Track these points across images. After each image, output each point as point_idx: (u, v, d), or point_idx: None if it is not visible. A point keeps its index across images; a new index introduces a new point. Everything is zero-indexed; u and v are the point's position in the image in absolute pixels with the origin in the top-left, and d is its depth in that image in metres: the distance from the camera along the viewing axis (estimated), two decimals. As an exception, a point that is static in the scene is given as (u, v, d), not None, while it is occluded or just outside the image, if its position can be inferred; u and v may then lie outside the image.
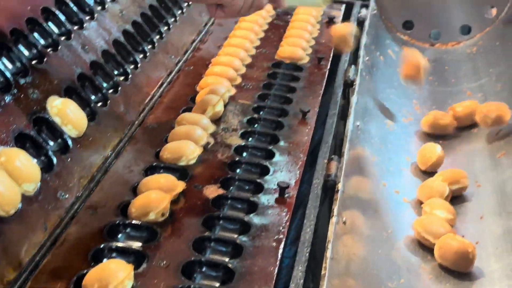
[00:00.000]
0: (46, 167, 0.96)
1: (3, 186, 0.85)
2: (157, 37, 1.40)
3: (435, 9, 1.76)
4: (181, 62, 1.42)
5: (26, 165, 0.90)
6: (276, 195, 1.03)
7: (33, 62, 1.04)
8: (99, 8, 1.27)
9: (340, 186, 1.04)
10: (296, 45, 1.49)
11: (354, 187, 1.10)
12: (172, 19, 1.48)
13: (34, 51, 1.06)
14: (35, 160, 0.94)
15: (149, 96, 1.27)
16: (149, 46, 1.36)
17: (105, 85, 1.17)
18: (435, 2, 1.75)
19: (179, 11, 1.52)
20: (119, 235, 0.93)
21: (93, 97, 1.13)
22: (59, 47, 1.11)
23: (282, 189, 1.03)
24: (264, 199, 1.02)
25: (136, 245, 0.91)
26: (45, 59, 1.06)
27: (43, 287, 0.82)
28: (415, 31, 1.77)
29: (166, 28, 1.44)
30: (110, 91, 1.18)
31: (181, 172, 1.07)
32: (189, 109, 1.25)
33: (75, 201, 0.97)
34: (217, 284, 0.86)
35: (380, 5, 1.76)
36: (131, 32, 1.32)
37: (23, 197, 0.88)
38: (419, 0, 1.75)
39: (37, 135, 0.97)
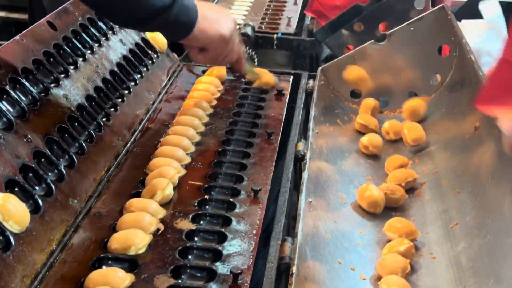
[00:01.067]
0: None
1: None
2: (103, 119, 1.38)
3: (381, 79, 1.78)
4: (129, 144, 1.40)
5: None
6: (230, 283, 1.00)
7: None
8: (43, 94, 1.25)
9: (294, 269, 1.02)
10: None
11: (308, 268, 1.07)
12: (119, 99, 1.47)
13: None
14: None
15: (96, 182, 1.24)
16: (96, 129, 1.33)
17: (49, 174, 1.14)
18: (380, 73, 1.78)
19: (126, 91, 1.51)
20: None
21: (36, 188, 1.09)
22: None
23: (235, 275, 1.01)
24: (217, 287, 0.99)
25: None
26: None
27: None
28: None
29: (112, 109, 1.42)
30: (55, 179, 1.14)
31: (130, 263, 1.04)
32: (138, 194, 1.22)
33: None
34: None
35: (327, 75, 1.77)
36: (75, 116, 1.29)
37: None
38: (365, 70, 1.77)
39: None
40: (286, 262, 1.05)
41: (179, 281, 1.01)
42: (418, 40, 1.71)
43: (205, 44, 1.38)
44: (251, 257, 1.07)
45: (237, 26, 1.47)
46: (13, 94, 1.18)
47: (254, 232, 1.14)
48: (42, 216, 1.06)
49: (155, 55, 1.72)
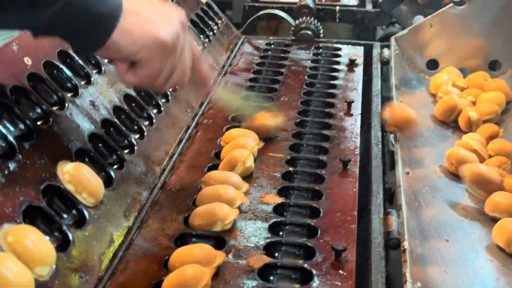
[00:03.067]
0: (61, 245, 0.81)
1: (11, 272, 0.69)
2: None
3: (460, 47, 1.64)
4: (198, 116, 1.28)
5: (38, 245, 0.75)
6: (332, 260, 0.88)
7: (38, 123, 0.90)
8: (106, 61, 1.13)
9: (406, 244, 0.89)
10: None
11: (418, 245, 0.94)
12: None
13: (39, 110, 0.92)
14: (48, 238, 0.78)
15: (168, 155, 1.12)
16: (163, 99, 1.22)
17: (119, 144, 1.02)
18: (459, 39, 1.63)
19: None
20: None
21: (107, 160, 0.98)
22: (66, 105, 0.96)
23: (338, 252, 0.88)
24: (319, 265, 0.86)
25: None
26: (51, 119, 0.92)
27: None
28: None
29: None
30: (125, 151, 1.03)
31: (216, 240, 0.92)
32: (214, 167, 1.10)
33: (98, 284, 0.81)
34: None
35: (401, 45, 1.64)
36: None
37: (36, 284, 0.72)
38: (443, 39, 1.63)
39: (48, 207, 0.82)
40: (395, 238, 0.91)
41: (275, 259, 0.89)
42: (503, 2, 1.57)
43: (132, 54, 0.84)
44: (352, 232, 0.94)
45: (187, 26, 0.91)
46: (76, 58, 1.07)
47: (350, 205, 1.01)
48: (116, 190, 0.95)
49: (216, 27, 1.60)
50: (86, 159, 0.93)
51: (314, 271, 0.85)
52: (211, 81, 1.01)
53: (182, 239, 0.92)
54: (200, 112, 1.29)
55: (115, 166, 0.99)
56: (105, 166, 0.96)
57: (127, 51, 0.83)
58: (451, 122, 1.44)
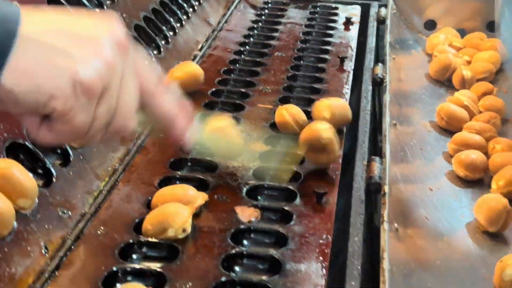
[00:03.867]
0: (45, 182, 0.82)
1: (-7, 202, 0.71)
2: (163, 42, 1.27)
3: (459, 8, 1.64)
4: (190, 69, 1.29)
5: (21, 177, 0.76)
6: (313, 203, 0.89)
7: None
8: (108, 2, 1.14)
9: (386, 188, 0.90)
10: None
11: (400, 191, 0.95)
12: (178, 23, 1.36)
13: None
14: (31, 175, 0.79)
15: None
16: (155, 52, 1.23)
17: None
18: (459, 0, 1.63)
19: (185, 16, 1.40)
20: (134, 256, 0.78)
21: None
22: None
23: (319, 195, 0.89)
24: (299, 208, 0.88)
25: (155, 266, 0.76)
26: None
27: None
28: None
29: (171, 32, 1.32)
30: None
31: (200, 182, 0.93)
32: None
33: (80, 220, 0.83)
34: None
35: (398, 4, 1.63)
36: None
37: (19, 216, 0.74)
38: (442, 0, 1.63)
39: (33, 145, 0.83)
40: (376, 182, 0.93)
41: (257, 203, 0.90)
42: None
43: (37, 106, 0.57)
44: (334, 176, 0.95)
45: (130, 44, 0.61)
46: None
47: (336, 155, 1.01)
48: (103, 133, 0.96)
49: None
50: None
51: (294, 213, 0.87)
52: (180, 119, 0.69)
53: (166, 182, 0.93)
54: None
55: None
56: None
57: (29, 101, 0.55)
58: (445, 80, 1.44)
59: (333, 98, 1.12)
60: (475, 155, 1.10)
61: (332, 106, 1.05)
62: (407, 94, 1.34)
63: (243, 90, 1.21)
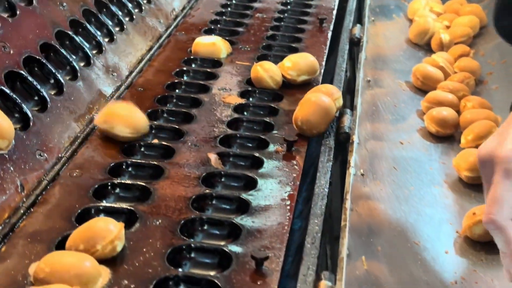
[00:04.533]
0: (22, 126, 0.85)
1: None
2: (144, 0, 1.29)
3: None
4: (171, 28, 1.31)
5: (-2, 119, 0.79)
6: (283, 152, 0.92)
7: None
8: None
9: (355, 138, 0.93)
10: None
11: (369, 141, 0.98)
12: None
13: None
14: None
15: (138, 59, 1.15)
16: (136, 8, 1.25)
17: (87, 45, 1.06)
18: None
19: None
20: (108, 197, 0.81)
21: (74, 57, 1.02)
22: (35, 2, 1.00)
23: (289, 143, 0.92)
24: (270, 154, 0.91)
25: (127, 205, 0.79)
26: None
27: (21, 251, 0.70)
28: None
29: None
30: (93, 51, 1.07)
31: (175, 131, 0.96)
32: (182, 72, 1.14)
33: (56, 163, 0.86)
34: (223, 243, 0.74)
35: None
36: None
37: (-5, 155, 0.77)
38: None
39: (11, 91, 0.86)
40: (345, 132, 0.95)
41: (230, 150, 0.93)
42: None
43: None
44: (306, 128, 0.98)
45: None
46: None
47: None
48: (81, 83, 0.98)
49: None
50: (51, 55, 0.97)
51: (264, 159, 0.89)
52: None
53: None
54: (174, 24, 1.32)
55: (82, 63, 1.03)
56: (71, 62, 1.00)
57: None
58: (424, 44, 1.47)
59: (302, 53, 1.15)
60: (447, 112, 1.13)
61: (296, 56, 1.11)
62: (385, 56, 1.37)
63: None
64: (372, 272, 0.73)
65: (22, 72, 0.89)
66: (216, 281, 0.67)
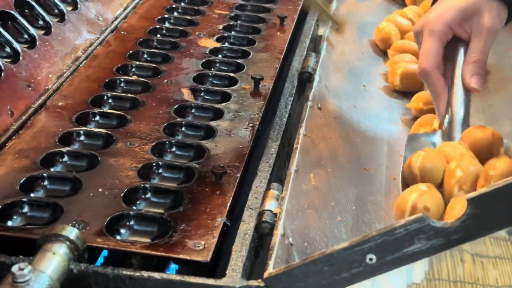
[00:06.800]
0: (11, 60, 0.94)
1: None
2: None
3: None
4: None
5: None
6: (252, 89, 1.01)
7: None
8: None
9: (316, 76, 1.02)
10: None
11: (331, 81, 1.07)
12: None
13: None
14: None
15: (123, 7, 1.24)
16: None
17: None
18: None
19: None
20: (89, 124, 0.91)
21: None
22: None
23: (256, 80, 1.01)
24: (237, 90, 1.00)
25: (105, 131, 0.89)
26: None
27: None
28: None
29: None
30: (81, -2, 1.16)
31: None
32: (164, 19, 1.22)
33: (43, 93, 0.95)
34: (186, 160, 0.84)
35: None
36: None
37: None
38: None
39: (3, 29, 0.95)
40: (308, 71, 1.05)
41: (201, 86, 1.02)
42: None
43: None
44: (274, 69, 1.07)
45: None
46: None
47: (278, 49, 1.13)
48: (68, 25, 1.07)
49: None
50: None
51: (232, 94, 0.99)
52: None
53: (123, 69, 1.05)
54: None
55: (70, 8, 1.12)
56: (59, 6, 1.09)
57: None
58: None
59: None
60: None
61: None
62: (358, 10, 1.44)
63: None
64: (319, 188, 0.83)
65: (13, 12, 0.98)
66: (180, 190, 0.77)
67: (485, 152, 0.88)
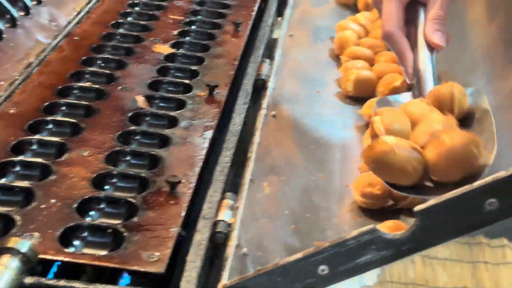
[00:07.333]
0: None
1: None
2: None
3: None
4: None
5: None
6: (206, 96, 1.02)
7: None
8: None
9: (270, 84, 1.03)
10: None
11: (285, 87, 1.08)
12: None
13: None
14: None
15: (76, 11, 1.23)
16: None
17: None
18: None
19: None
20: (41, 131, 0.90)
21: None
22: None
23: (211, 87, 1.01)
24: (192, 97, 1.00)
25: (58, 138, 0.88)
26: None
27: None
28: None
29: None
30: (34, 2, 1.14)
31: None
32: (118, 24, 1.22)
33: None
34: (141, 170, 0.84)
35: None
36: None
37: None
38: None
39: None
40: (262, 79, 1.05)
41: (156, 93, 1.02)
42: None
43: None
44: (229, 76, 1.07)
45: None
46: None
47: (234, 56, 1.14)
48: (20, 31, 1.06)
49: None
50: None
51: (187, 101, 0.99)
52: None
53: (78, 75, 1.04)
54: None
55: (21, 13, 1.10)
56: (10, 11, 1.07)
57: None
58: (351, 5, 1.57)
59: None
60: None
61: None
62: (312, 15, 1.46)
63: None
64: (273, 196, 0.84)
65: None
66: (133, 200, 0.77)
67: (447, 107, 0.89)
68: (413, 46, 0.96)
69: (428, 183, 0.83)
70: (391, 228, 0.67)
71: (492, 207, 0.57)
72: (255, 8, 1.32)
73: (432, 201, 0.58)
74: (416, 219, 0.59)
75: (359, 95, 1.18)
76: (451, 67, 1.20)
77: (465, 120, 0.91)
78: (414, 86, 0.96)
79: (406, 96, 0.98)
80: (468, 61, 1.19)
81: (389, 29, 0.95)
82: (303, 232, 0.84)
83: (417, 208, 0.58)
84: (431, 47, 0.94)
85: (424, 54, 0.95)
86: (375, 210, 0.92)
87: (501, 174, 0.56)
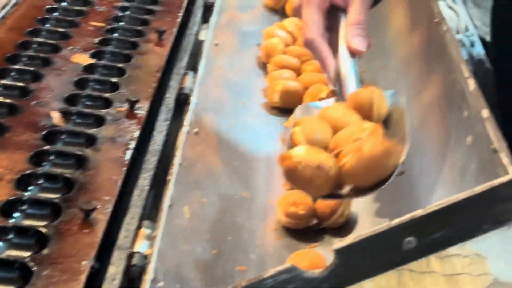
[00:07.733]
0: None
1: None
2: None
3: None
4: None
5: None
6: (127, 110, 0.98)
7: None
8: None
9: (193, 98, 1.00)
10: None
11: (209, 99, 1.05)
12: None
13: None
14: None
15: (-10, 17, 1.17)
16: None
17: None
18: None
19: None
20: None
21: None
22: None
23: (132, 103, 0.98)
24: (114, 113, 0.96)
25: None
26: None
27: None
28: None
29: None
30: None
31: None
32: (34, 32, 1.16)
33: None
34: (54, 196, 0.80)
35: None
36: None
37: None
38: None
39: None
40: (185, 93, 1.02)
41: (74, 108, 0.98)
42: None
43: None
44: (151, 88, 1.04)
45: None
46: None
47: (156, 67, 1.10)
48: None
49: None
50: None
51: (107, 117, 0.95)
52: None
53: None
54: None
55: None
56: None
57: None
58: (280, 9, 1.55)
59: None
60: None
61: None
62: (239, 19, 1.43)
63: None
64: (194, 220, 0.81)
65: None
66: (43, 230, 0.73)
67: (366, 112, 0.88)
68: (335, 52, 0.95)
69: (345, 189, 0.82)
70: (309, 266, 0.65)
71: (410, 245, 0.56)
72: (180, 15, 1.28)
73: (351, 239, 0.57)
74: (335, 257, 0.57)
75: (285, 106, 1.17)
76: (375, 77, 1.20)
77: (385, 120, 0.90)
78: (337, 92, 0.95)
79: (328, 103, 0.97)
80: (392, 71, 1.19)
81: (309, 36, 0.94)
82: (225, 256, 0.82)
83: (336, 246, 0.57)
84: (352, 53, 0.93)
85: (345, 59, 0.94)
86: (299, 230, 0.91)
87: (419, 212, 0.55)
